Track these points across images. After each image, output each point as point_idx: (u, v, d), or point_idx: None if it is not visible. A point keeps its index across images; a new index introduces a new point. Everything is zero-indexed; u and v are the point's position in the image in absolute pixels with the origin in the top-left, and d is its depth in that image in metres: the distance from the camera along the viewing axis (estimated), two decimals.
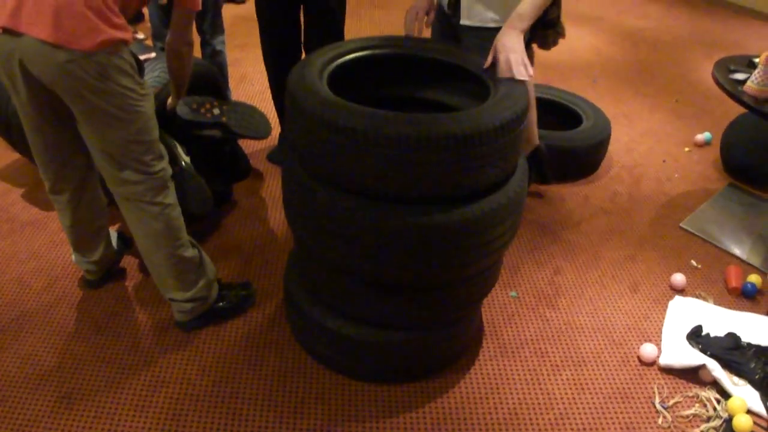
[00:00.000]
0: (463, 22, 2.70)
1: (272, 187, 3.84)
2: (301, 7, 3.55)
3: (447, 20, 2.80)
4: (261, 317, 2.89)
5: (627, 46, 6.35)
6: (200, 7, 2.55)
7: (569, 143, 3.87)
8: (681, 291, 3.14)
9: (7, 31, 2.09)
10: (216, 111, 3.00)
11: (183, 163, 2.94)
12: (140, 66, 2.31)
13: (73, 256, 2.95)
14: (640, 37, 6.58)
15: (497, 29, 2.40)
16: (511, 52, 2.26)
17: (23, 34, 2.06)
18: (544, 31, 3.50)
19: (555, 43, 3.29)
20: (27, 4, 2.05)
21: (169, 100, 3.05)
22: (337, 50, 2.40)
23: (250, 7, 5.65)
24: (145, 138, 2.35)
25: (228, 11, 6.51)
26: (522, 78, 2.22)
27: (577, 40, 6.38)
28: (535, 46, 3.48)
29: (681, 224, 3.63)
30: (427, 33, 2.93)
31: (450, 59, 2.44)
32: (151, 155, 2.40)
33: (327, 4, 3.48)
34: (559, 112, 4.31)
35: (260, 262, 3.23)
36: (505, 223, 2.13)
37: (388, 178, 1.94)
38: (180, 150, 2.96)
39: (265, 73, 3.95)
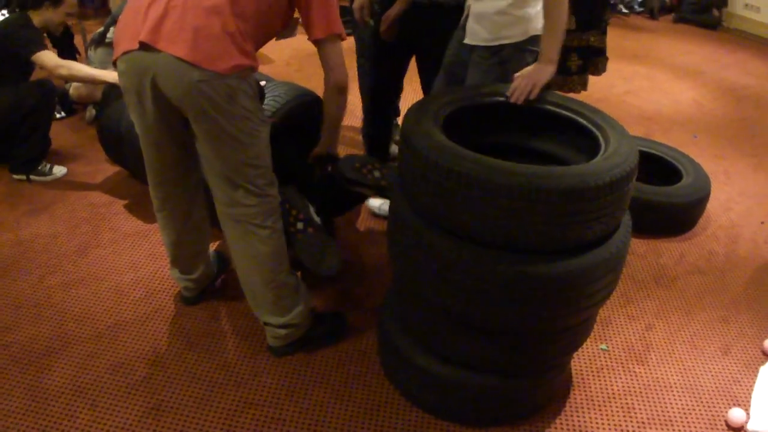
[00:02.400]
0: (466, 41, 2.95)
1: (369, 219, 3.92)
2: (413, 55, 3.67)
3: (461, 36, 3.03)
4: (352, 349, 2.94)
5: (729, 102, 6.26)
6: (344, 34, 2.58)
7: (668, 199, 3.85)
8: None
9: (144, 47, 2.20)
10: (377, 174, 3.03)
11: (317, 225, 2.99)
12: (261, 93, 2.39)
13: (171, 272, 3.04)
14: (743, 94, 6.48)
15: (486, 47, 2.85)
16: (525, 80, 2.50)
17: (161, 51, 2.18)
18: (596, 59, 3.67)
19: (604, 69, 3.45)
20: (168, 23, 2.19)
21: (317, 148, 2.97)
22: (452, 96, 2.45)
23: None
24: (260, 163, 2.44)
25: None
26: (516, 101, 2.50)
27: (678, 94, 6.33)
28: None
29: None
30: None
31: (560, 111, 2.48)
32: (264, 180, 2.48)
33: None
34: (659, 166, 4.27)
35: (356, 295, 3.29)
36: (606, 278, 2.14)
37: (496, 226, 1.98)
38: (312, 211, 3.02)
39: None
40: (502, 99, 2.53)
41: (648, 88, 6.42)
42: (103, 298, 3.15)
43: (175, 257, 2.93)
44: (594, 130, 2.34)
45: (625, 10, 9.09)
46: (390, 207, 2.40)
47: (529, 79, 2.50)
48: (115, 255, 3.45)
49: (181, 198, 2.74)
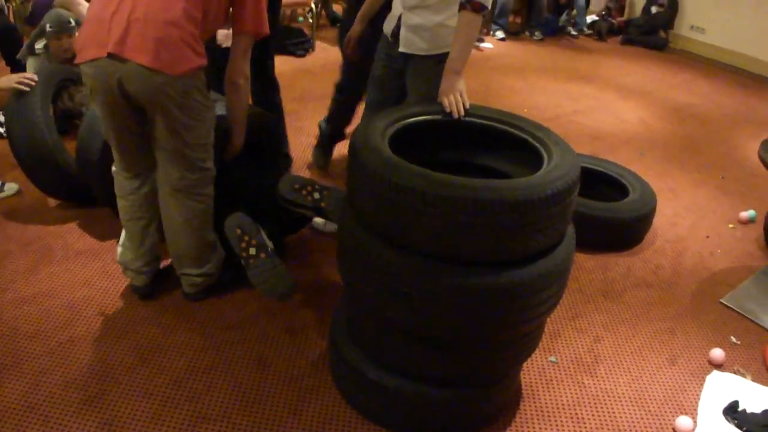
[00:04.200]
0: (401, 50, 3.10)
1: (320, 235, 3.94)
2: None
3: (389, 47, 3.21)
4: (305, 363, 2.96)
5: (675, 120, 6.40)
6: (269, 32, 2.90)
7: (615, 214, 3.92)
8: (719, 366, 3.16)
9: (112, 56, 2.54)
10: (316, 195, 3.10)
11: (269, 249, 3.05)
12: (208, 82, 2.73)
13: (119, 257, 3.18)
14: (688, 113, 6.63)
15: (426, 56, 3.02)
16: (450, 94, 2.64)
17: (127, 60, 2.53)
18: None
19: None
20: (131, 35, 2.53)
21: (230, 147, 3.21)
22: (400, 113, 2.52)
23: (308, 61, 5.83)
24: (203, 141, 2.87)
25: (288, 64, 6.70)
26: (459, 116, 2.60)
27: (625, 113, 6.45)
28: None
29: (722, 300, 3.65)
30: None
31: (505, 128, 2.54)
32: (206, 154, 2.92)
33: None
34: (606, 184, 4.37)
35: (308, 308, 3.30)
36: (550, 289, 2.19)
37: (441, 239, 2.03)
38: (264, 235, 3.08)
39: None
40: (448, 117, 2.60)
41: (596, 107, 6.55)
42: (55, 315, 3.13)
43: (130, 219, 3.09)
44: (537, 145, 2.40)
45: (573, 32, 9.26)
46: (339, 221, 2.45)
47: (452, 93, 2.64)
48: (68, 272, 3.44)
49: (148, 160, 2.96)
